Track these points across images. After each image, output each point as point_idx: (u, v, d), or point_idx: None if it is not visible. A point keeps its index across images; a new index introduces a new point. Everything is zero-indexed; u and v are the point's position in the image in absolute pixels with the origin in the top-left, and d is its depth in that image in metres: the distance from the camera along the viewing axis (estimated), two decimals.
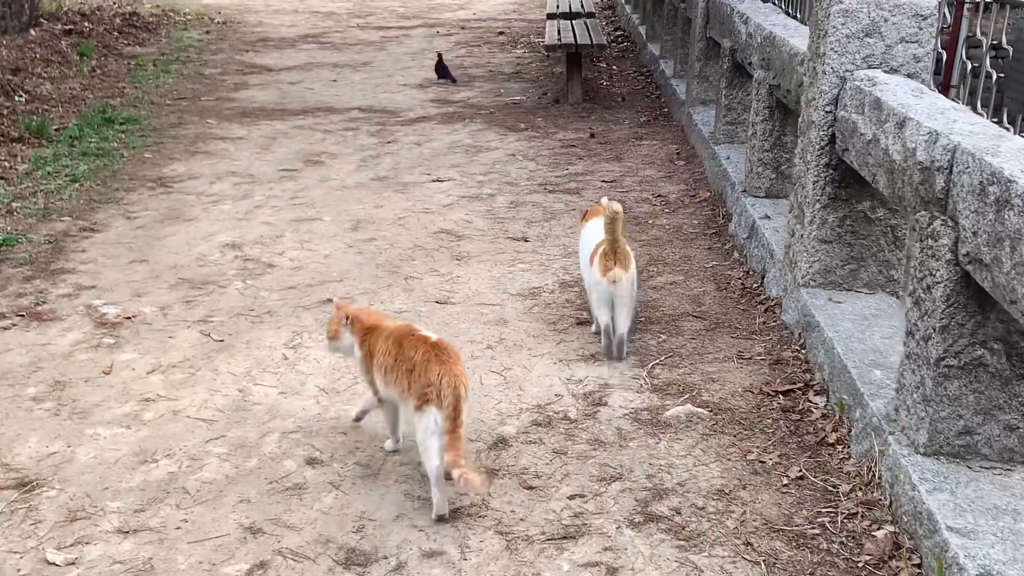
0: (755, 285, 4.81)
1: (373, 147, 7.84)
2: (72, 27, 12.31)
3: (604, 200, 4.09)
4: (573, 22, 10.67)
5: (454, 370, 3.04)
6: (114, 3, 15.80)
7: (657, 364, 4.09)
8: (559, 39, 9.32)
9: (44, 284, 4.99)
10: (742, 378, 3.95)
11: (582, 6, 12.39)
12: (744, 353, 4.16)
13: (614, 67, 11.19)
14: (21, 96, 8.74)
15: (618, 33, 13.42)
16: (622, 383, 3.93)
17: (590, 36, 9.54)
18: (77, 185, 6.63)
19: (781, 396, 3.78)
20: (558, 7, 12.30)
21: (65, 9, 13.79)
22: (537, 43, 12.94)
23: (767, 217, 5.21)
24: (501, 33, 13.99)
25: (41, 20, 12.33)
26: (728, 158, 6.36)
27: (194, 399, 3.85)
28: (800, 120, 4.47)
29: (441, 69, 10.50)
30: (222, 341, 4.37)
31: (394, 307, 4.70)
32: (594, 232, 4.23)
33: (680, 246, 5.48)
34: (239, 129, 8.43)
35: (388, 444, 3.49)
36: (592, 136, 8.05)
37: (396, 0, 18.04)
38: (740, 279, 4.93)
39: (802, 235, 4.35)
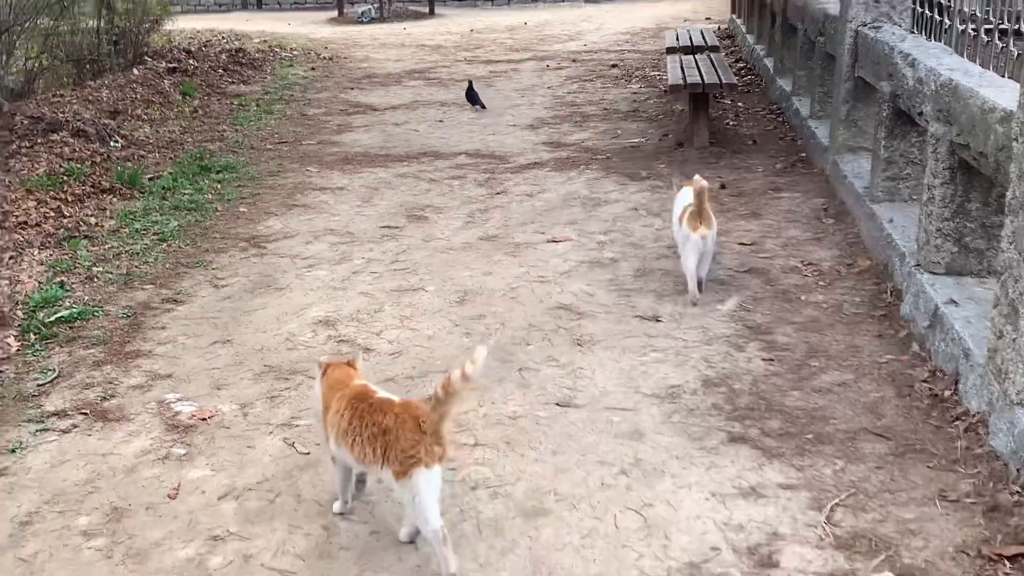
0: (947, 392, 3.94)
1: (481, 199, 7.19)
2: (176, 65, 12.07)
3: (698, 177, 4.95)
4: (696, 57, 9.87)
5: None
6: (223, 39, 15.66)
7: (838, 504, 3.27)
8: (683, 78, 8.53)
9: (115, 371, 4.44)
10: (951, 531, 3.10)
11: (703, 39, 11.58)
12: (948, 492, 3.31)
13: (740, 104, 10.34)
14: (117, 142, 8.39)
15: (740, 65, 12.55)
16: (795, 532, 3.13)
17: (717, 74, 8.73)
18: (165, 245, 6.14)
19: (1007, 563, 2.92)
20: (678, 40, 11.52)
21: (172, 46, 13.61)
22: (654, 77, 12.17)
23: (953, 303, 4.33)
24: (614, 66, 13.26)
25: (146, 58, 12.12)
26: (891, 221, 5.49)
27: (270, 539, 3.20)
28: (1010, 196, 3.62)
29: (471, 95, 10.70)
30: (308, 454, 3.72)
31: (508, 410, 3.99)
32: (684, 199, 5.17)
33: (843, 332, 4.63)
34: (340, 178, 7.89)
35: (337, 506, 3.33)
36: (723, 187, 7.24)
37: (504, 32, 17.53)
38: (926, 382, 4.06)
39: (1015, 339, 3.48)
